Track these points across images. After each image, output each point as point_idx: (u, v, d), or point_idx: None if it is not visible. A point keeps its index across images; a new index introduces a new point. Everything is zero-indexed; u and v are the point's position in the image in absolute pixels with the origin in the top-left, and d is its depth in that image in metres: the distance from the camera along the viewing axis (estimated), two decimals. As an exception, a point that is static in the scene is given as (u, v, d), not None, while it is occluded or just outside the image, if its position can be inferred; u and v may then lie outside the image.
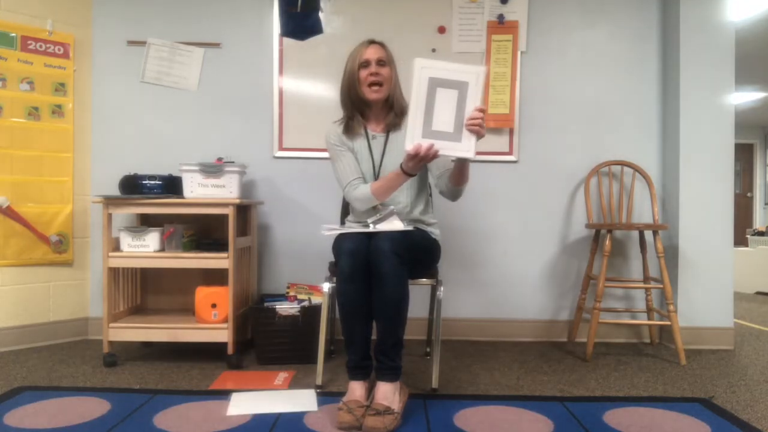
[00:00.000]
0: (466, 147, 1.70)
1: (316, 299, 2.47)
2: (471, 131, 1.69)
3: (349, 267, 1.74)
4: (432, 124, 1.70)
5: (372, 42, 1.97)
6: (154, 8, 2.84)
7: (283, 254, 2.88)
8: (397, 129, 2.03)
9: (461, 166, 1.84)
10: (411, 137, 1.71)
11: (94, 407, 1.81)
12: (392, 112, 2.02)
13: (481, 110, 1.69)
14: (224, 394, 1.94)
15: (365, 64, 1.93)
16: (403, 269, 1.72)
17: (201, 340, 2.32)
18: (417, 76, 1.69)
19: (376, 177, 2.01)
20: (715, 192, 2.74)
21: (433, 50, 2.82)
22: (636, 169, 2.80)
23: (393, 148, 2.01)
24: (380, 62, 1.94)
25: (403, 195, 2.01)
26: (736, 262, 4.49)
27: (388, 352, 1.74)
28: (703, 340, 2.75)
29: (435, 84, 1.69)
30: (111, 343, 2.32)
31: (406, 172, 1.81)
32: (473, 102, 1.69)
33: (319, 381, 2.04)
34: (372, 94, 1.94)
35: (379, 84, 1.94)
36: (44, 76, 2.67)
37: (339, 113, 2.08)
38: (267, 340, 2.37)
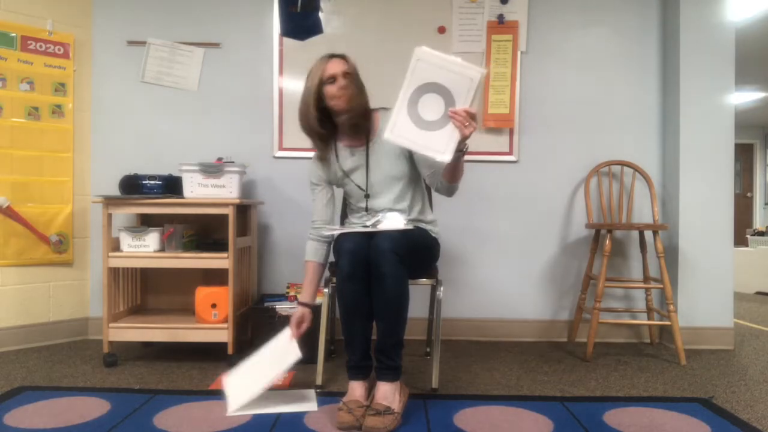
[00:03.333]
0: (442, 147, 1.63)
1: (316, 299, 2.46)
2: (453, 125, 1.60)
3: (349, 267, 1.74)
4: (414, 118, 1.63)
5: (332, 56, 1.86)
6: (154, 8, 2.84)
7: (283, 254, 2.88)
8: (375, 136, 1.95)
9: (453, 164, 1.75)
10: (390, 127, 1.65)
11: (94, 407, 1.81)
12: (366, 120, 1.92)
13: (469, 113, 1.58)
14: (224, 394, 1.93)
15: (331, 79, 1.82)
16: (403, 269, 1.72)
17: (201, 340, 2.32)
18: (411, 67, 1.62)
19: (365, 191, 1.97)
20: (715, 192, 2.74)
21: (433, 50, 2.82)
22: (636, 169, 2.80)
23: (376, 159, 1.95)
24: (346, 74, 1.83)
25: (402, 197, 1.98)
26: (736, 262, 4.49)
27: (388, 352, 1.74)
28: (703, 340, 2.75)
29: (425, 85, 1.63)
30: (111, 343, 2.32)
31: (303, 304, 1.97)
32: (462, 106, 1.61)
33: (319, 381, 2.04)
34: (343, 104, 1.83)
35: (349, 96, 1.83)
36: (44, 76, 2.67)
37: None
38: (267, 340, 2.36)
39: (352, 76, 1.86)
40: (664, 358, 2.55)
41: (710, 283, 2.74)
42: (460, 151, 1.67)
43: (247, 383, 1.85)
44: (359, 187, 1.98)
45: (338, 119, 1.89)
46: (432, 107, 1.63)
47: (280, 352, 1.92)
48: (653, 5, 2.88)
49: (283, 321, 2.34)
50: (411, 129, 1.64)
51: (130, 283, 2.59)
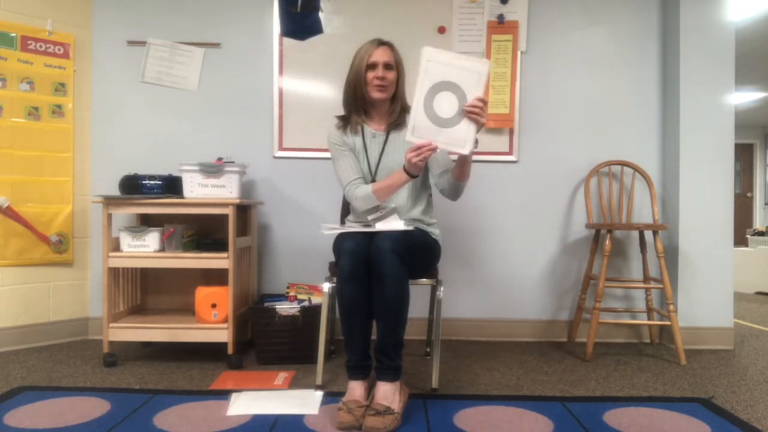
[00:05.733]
0: (462, 141, 1.73)
1: (316, 299, 2.47)
2: (470, 119, 1.71)
3: (349, 266, 1.74)
4: (432, 118, 1.73)
5: (381, 43, 1.97)
6: (154, 8, 2.84)
7: (283, 254, 2.88)
8: (398, 128, 2.03)
9: (463, 160, 1.85)
10: (411, 129, 1.74)
11: (94, 407, 1.81)
12: (396, 111, 2.02)
13: (482, 100, 1.70)
14: (224, 394, 1.94)
15: (373, 66, 1.94)
16: (403, 269, 1.72)
17: (201, 340, 2.32)
18: (423, 68, 1.73)
19: (372, 175, 2.01)
20: (715, 192, 2.74)
21: (433, 50, 2.82)
22: (636, 169, 2.80)
23: (392, 148, 2.01)
24: (387, 66, 1.94)
25: (404, 194, 2.01)
26: (736, 262, 4.48)
27: (388, 352, 1.74)
28: (703, 340, 2.75)
29: (438, 84, 1.72)
30: (111, 343, 2.32)
31: (409, 173, 1.82)
32: (473, 96, 1.72)
33: (319, 381, 2.04)
34: (376, 93, 1.95)
35: (384, 86, 1.95)
36: (44, 76, 2.67)
37: (338, 113, 2.08)
38: (267, 340, 2.37)
39: (393, 68, 1.96)
40: (664, 358, 2.55)
41: (710, 283, 2.74)
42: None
43: (255, 402, 1.86)
44: (369, 167, 2.01)
45: (371, 102, 2.00)
46: (446, 105, 1.74)
47: (298, 397, 1.93)
48: (653, 5, 2.88)
49: (283, 321, 2.35)
50: (431, 128, 1.74)
51: (130, 283, 2.59)
